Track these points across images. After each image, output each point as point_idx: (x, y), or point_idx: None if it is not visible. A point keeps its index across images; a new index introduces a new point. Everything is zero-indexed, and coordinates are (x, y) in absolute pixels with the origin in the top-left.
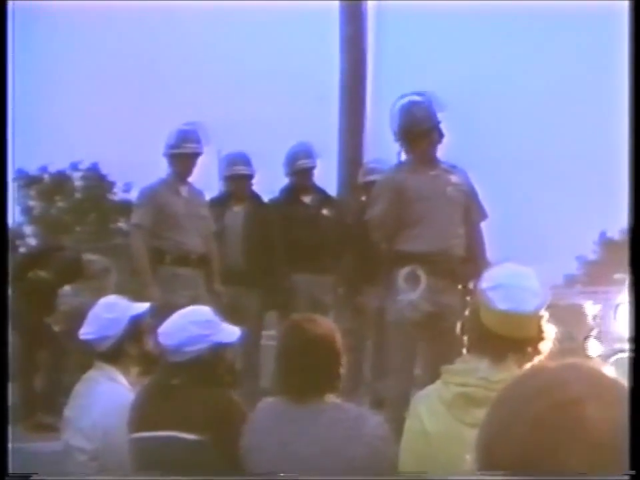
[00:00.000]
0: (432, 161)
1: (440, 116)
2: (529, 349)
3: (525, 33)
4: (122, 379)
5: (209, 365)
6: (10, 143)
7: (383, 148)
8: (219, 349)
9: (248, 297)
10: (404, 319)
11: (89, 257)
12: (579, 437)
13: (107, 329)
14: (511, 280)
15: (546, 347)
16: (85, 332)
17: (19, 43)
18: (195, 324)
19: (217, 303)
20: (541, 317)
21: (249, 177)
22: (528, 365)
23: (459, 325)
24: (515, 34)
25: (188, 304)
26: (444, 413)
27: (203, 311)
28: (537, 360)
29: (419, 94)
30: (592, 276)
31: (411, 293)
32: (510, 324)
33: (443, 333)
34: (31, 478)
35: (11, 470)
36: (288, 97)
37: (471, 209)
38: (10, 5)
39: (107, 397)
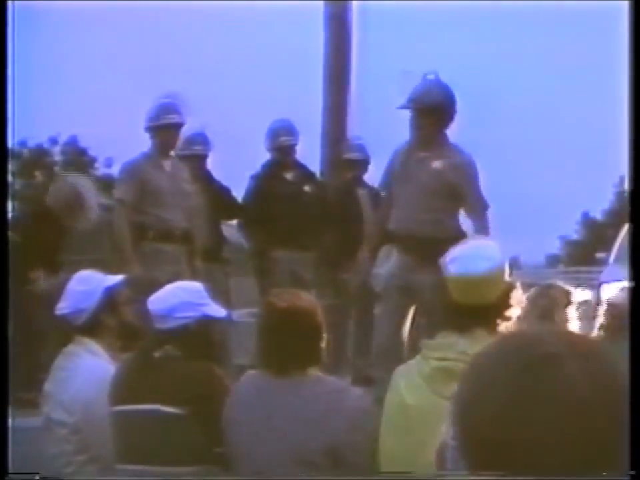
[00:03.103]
0: (431, 143)
1: (453, 98)
2: (497, 319)
3: (522, 29)
4: (102, 352)
5: (196, 336)
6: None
7: (366, 125)
8: (207, 322)
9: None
10: (369, 289)
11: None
12: (559, 394)
13: (81, 302)
14: (465, 249)
15: (511, 313)
16: (61, 307)
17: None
18: (187, 292)
19: (197, 279)
20: (496, 283)
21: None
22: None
23: (428, 301)
24: (506, 31)
25: (170, 280)
26: (423, 387)
27: (195, 284)
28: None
29: (434, 73)
30: (574, 256)
31: (381, 267)
32: (462, 289)
33: (410, 307)
34: (33, 478)
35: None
36: (272, 75)
37: (458, 197)
38: (10, 5)
39: (87, 370)
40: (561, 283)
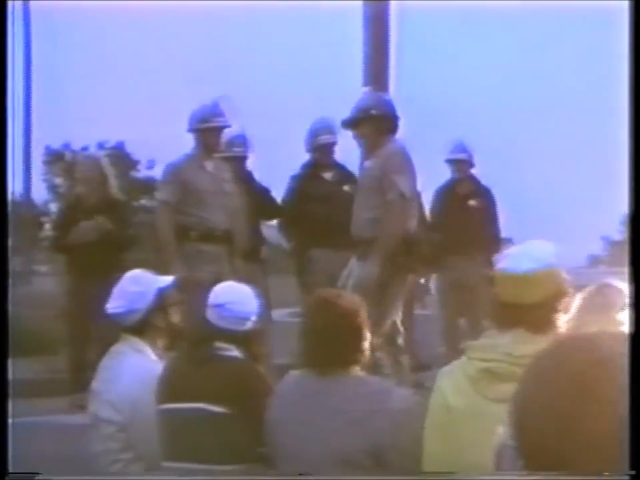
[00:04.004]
0: (375, 150)
1: (392, 108)
2: (542, 321)
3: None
4: (149, 352)
5: (255, 337)
6: (33, 122)
7: (404, 127)
8: (261, 325)
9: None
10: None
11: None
12: (617, 395)
13: (134, 302)
14: (517, 248)
15: (558, 317)
16: (113, 306)
17: (42, 31)
18: (254, 298)
19: (237, 279)
20: (541, 284)
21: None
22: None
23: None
24: (534, 31)
25: (211, 280)
26: (468, 388)
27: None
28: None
29: (367, 88)
30: (617, 256)
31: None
32: (505, 286)
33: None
34: (34, 477)
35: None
36: (312, 75)
37: (385, 192)
38: (10, 5)
39: (134, 369)
40: (616, 283)
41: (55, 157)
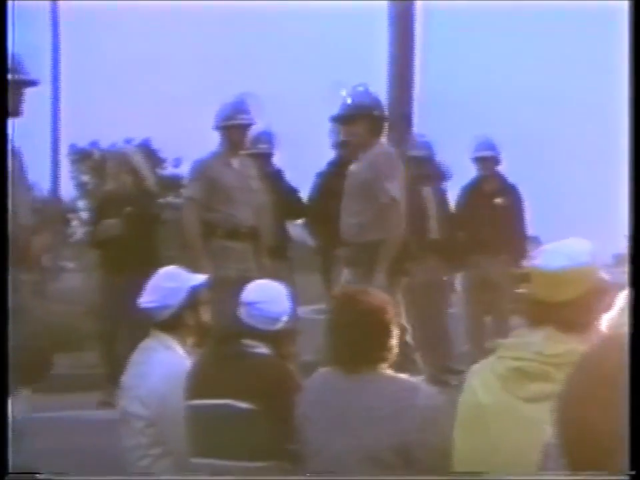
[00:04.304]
0: (362, 150)
1: (382, 108)
2: (575, 319)
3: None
4: (178, 348)
5: (286, 335)
6: (60, 120)
7: (430, 123)
8: (291, 324)
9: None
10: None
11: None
12: None
13: (167, 298)
14: (552, 245)
15: (592, 317)
16: (146, 300)
17: (68, 30)
18: (287, 297)
19: (264, 277)
20: (574, 282)
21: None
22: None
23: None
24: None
25: (238, 277)
26: (498, 386)
27: (282, 287)
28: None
29: (363, 85)
30: None
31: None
32: (538, 282)
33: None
34: (33, 478)
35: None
36: (337, 73)
37: (372, 195)
38: (10, 5)
39: (163, 365)
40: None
41: (81, 155)
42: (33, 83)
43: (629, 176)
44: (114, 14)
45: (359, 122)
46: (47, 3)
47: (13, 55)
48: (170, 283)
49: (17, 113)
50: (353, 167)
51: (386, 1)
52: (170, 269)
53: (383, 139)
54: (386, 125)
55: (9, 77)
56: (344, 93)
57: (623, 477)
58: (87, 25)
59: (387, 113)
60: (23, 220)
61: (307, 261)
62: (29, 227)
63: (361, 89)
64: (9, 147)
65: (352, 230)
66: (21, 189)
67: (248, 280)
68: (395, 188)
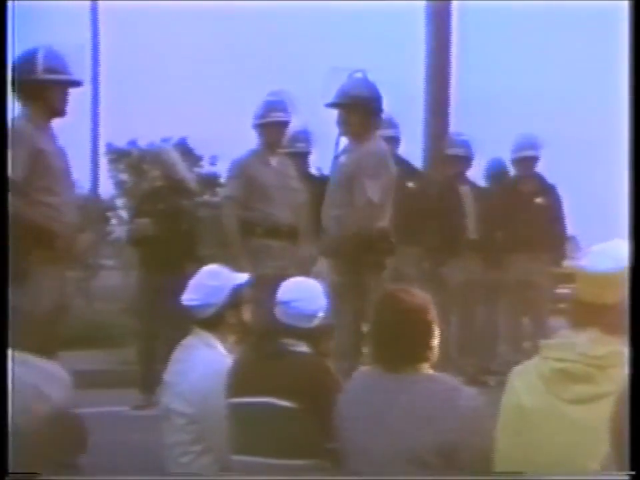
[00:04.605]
0: (357, 140)
1: (379, 96)
2: (620, 321)
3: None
4: (219, 346)
5: (324, 333)
6: (99, 120)
7: (468, 121)
8: (328, 321)
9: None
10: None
11: None
12: None
13: (210, 296)
14: (599, 246)
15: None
16: (189, 298)
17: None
18: (323, 294)
19: (301, 275)
20: (620, 284)
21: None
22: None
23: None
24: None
25: (277, 275)
26: (541, 388)
27: (318, 284)
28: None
29: (361, 71)
30: None
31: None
32: (582, 284)
33: None
34: (33, 478)
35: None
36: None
37: (356, 189)
38: (10, 5)
39: (205, 363)
40: None
41: (119, 154)
42: (77, 84)
43: (629, 176)
44: (152, 13)
45: (353, 111)
46: (88, 3)
47: (58, 55)
48: (213, 282)
49: (61, 113)
50: (342, 159)
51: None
52: (213, 267)
53: (378, 133)
54: (382, 117)
55: (54, 77)
56: (341, 79)
57: (623, 477)
58: (125, 23)
59: (383, 105)
60: (68, 218)
61: None
62: (74, 224)
63: (359, 75)
64: (9, 148)
65: (330, 221)
66: (66, 188)
67: (286, 278)
68: (376, 189)
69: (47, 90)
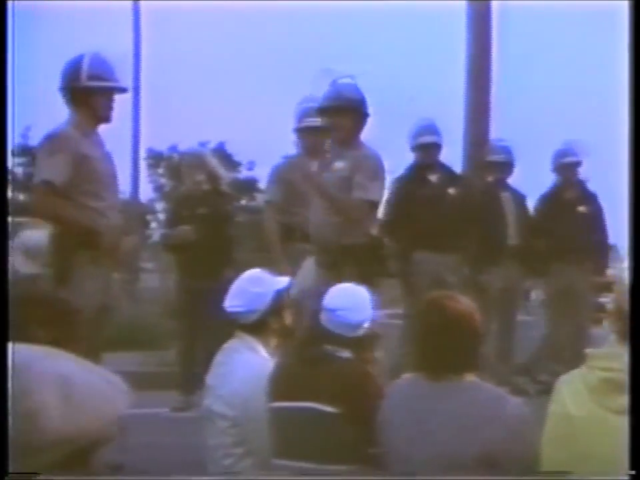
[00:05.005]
0: (345, 144)
1: (365, 101)
2: None
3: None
4: (261, 350)
5: (366, 343)
6: (140, 125)
7: (509, 127)
8: (374, 330)
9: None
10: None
11: None
12: None
13: (254, 303)
14: None
15: None
16: (233, 304)
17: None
18: (370, 302)
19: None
20: None
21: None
22: None
23: None
24: None
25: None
26: (588, 397)
27: (366, 291)
28: None
29: (350, 76)
30: None
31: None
32: (623, 292)
33: None
34: (33, 478)
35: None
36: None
37: (357, 192)
38: (10, 4)
39: (247, 367)
40: None
41: (158, 159)
42: (122, 90)
43: (629, 176)
44: (190, 15)
45: (345, 114)
46: (129, 3)
47: (103, 62)
48: (256, 288)
49: (107, 120)
50: (337, 164)
51: (464, 1)
52: (255, 272)
53: (364, 139)
54: (367, 123)
55: (99, 84)
56: (331, 82)
57: (623, 477)
58: (164, 27)
59: (369, 110)
60: (113, 222)
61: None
62: (118, 228)
63: (348, 80)
64: (9, 148)
65: (323, 229)
66: (111, 193)
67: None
68: (376, 191)
69: (92, 97)
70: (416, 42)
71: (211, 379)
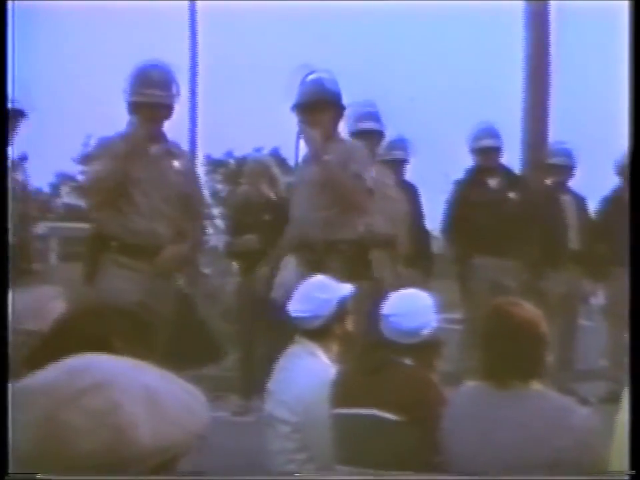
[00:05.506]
0: (327, 139)
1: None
2: None
3: None
4: (323, 356)
5: (426, 349)
6: (197, 133)
7: (567, 129)
8: (435, 336)
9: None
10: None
11: None
12: None
13: (320, 309)
14: None
15: None
16: (298, 309)
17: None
18: (431, 306)
19: (400, 285)
20: None
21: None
22: None
23: None
24: None
25: (375, 286)
26: None
27: (428, 297)
28: None
29: (326, 71)
30: None
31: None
32: None
33: None
34: (33, 478)
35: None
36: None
37: (344, 187)
38: (10, 4)
39: (309, 372)
40: None
41: (215, 165)
42: (177, 99)
43: (629, 174)
44: (245, 16)
45: (326, 110)
46: (185, 3)
47: (162, 70)
48: (322, 294)
49: (162, 127)
50: (327, 158)
51: (522, 1)
52: (321, 278)
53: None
54: (344, 118)
55: (157, 92)
56: (311, 77)
57: (622, 477)
58: (220, 30)
59: (343, 102)
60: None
61: (442, 269)
62: (174, 234)
63: (326, 75)
64: (9, 147)
65: (308, 224)
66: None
67: (384, 288)
68: (370, 180)
69: (149, 105)
70: (475, 43)
71: (272, 384)
